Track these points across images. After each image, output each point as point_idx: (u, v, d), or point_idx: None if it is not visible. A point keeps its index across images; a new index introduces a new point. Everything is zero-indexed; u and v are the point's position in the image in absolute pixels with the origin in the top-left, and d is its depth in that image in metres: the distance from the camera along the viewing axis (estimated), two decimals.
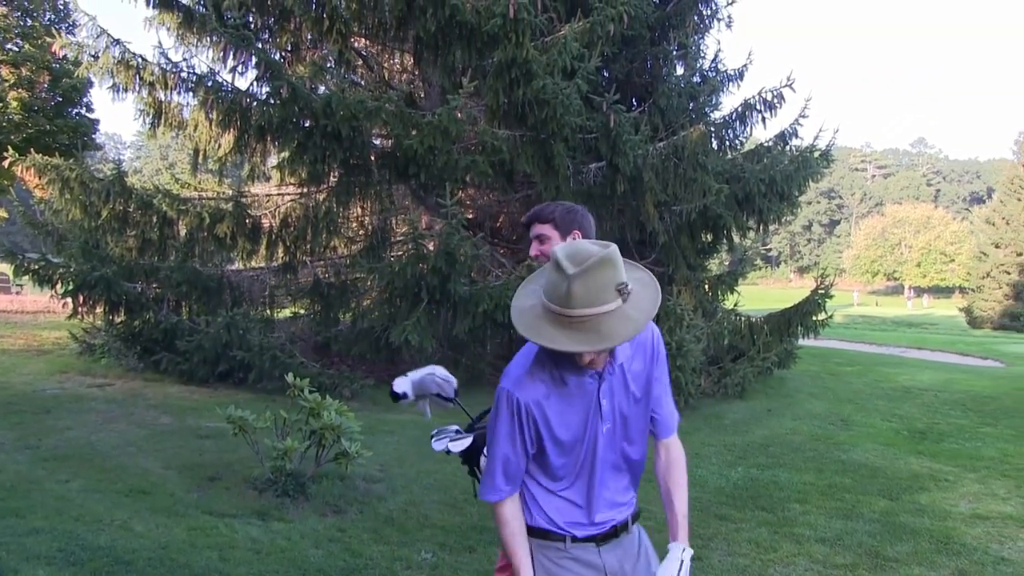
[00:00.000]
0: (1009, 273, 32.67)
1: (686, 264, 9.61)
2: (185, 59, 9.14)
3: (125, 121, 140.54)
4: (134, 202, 8.95)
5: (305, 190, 9.66)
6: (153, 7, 9.05)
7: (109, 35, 8.96)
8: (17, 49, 17.76)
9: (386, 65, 10.73)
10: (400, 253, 8.76)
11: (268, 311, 9.73)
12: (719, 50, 19.72)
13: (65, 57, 14.49)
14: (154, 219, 9.01)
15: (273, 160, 10.44)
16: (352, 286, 9.33)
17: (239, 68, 8.89)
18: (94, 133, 20.96)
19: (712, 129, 9.29)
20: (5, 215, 22.71)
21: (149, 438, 6.10)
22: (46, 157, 9.52)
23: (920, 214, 67.96)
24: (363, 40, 9.90)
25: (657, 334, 1.82)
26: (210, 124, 9.10)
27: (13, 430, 6.09)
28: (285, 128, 8.13)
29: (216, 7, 8.71)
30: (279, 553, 3.79)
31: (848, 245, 78.61)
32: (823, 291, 9.79)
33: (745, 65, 10.55)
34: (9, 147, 10.71)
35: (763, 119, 9.59)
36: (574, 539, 1.77)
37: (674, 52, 10.16)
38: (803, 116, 9.99)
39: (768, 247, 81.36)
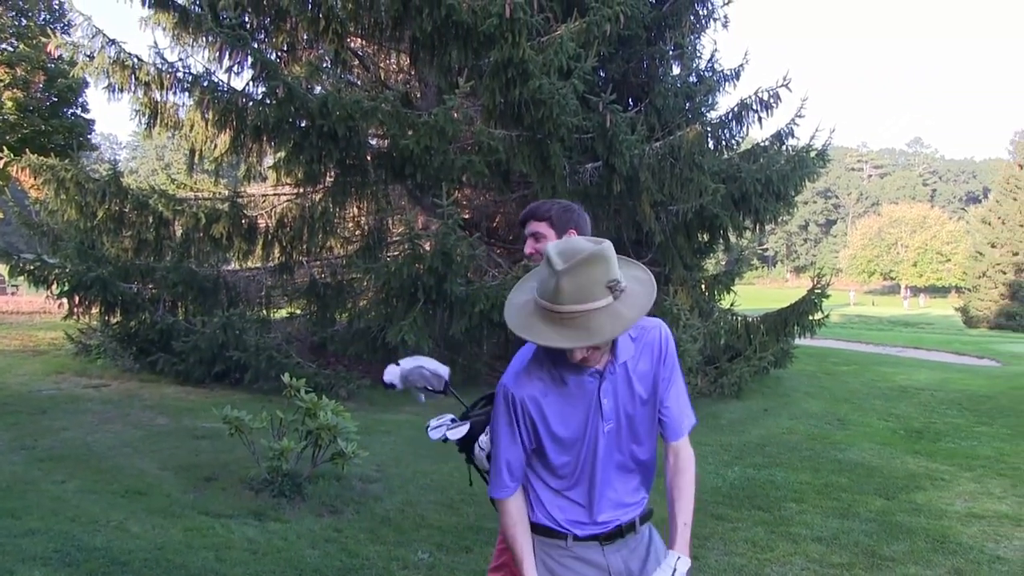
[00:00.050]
0: (1005, 272, 32.74)
1: (682, 264, 9.61)
2: (181, 59, 9.13)
3: (121, 121, 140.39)
4: (130, 202, 8.93)
5: (301, 190, 9.66)
6: (149, 7, 9.01)
7: (104, 35, 8.94)
8: (12, 49, 17.72)
9: (382, 65, 10.72)
10: (396, 253, 8.76)
11: (264, 311, 9.70)
12: (715, 50, 19.60)
13: (60, 57, 14.45)
14: (150, 219, 8.99)
15: (269, 160, 10.42)
16: (348, 286, 9.32)
17: (235, 68, 8.87)
18: (90, 133, 20.91)
19: (708, 129, 9.31)
20: (0, 215, 22.64)
21: (145, 439, 6.08)
22: (41, 157, 9.49)
23: (916, 214, 68.17)
24: (359, 40, 9.88)
25: (666, 335, 1.79)
26: (206, 124, 9.08)
27: (9, 431, 6.08)
28: (281, 128, 8.13)
29: (212, 7, 8.69)
30: (275, 553, 3.78)
31: (844, 245, 78.84)
32: (819, 291, 9.80)
33: (741, 65, 10.55)
34: (4, 147, 10.65)
35: (759, 119, 9.62)
36: (576, 538, 1.76)
37: (670, 52, 10.15)
38: (799, 116, 9.99)
39: (764, 247, 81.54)
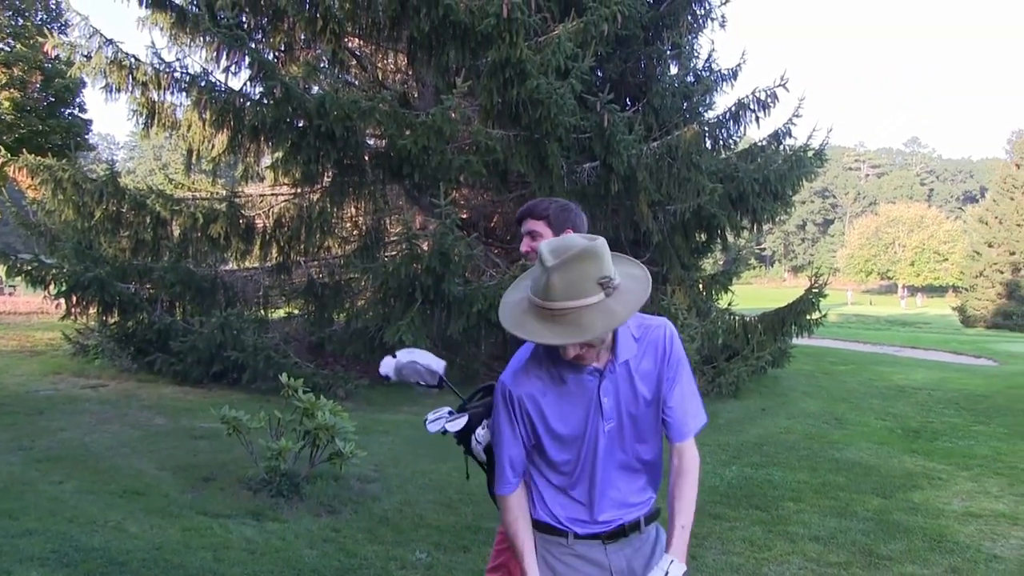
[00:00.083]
0: (1002, 272, 32.80)
1: (680, 264, 9.63)
2: (178, 59, 9.14)
3: (118, 121, 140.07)
4: (127, 202, 8.93)
5: (299, 190, 9.65)
6: (146, 7, 9.01)
7: (102, 35, 8.94)
8: (9, 49, 17.70)
9: (380, 65, 10.72)
10: (394, 253, 8.75)
11: (262, 311, 9.71)
12: (713, 50, 19.73)
13: (57, 57, 14.42)
14: (148, 219, 8.99)
15: (267, 160, 10.42)
16: (346, 286, 9.33)
17: (232, 68, 8.89)
18: (87, 133, 20.91)
19: (706, 129, 9.32)
20: None
21: (143, 439, 6.08)
22: (39, 157, 9.48)
23: (914, 213, 68.25)
24: (357, 40, 9.88)
25: (670, 334, 1.77)
26: (203, 124, 9.08)
27: (6, 431, 6.07)
28: (279, 128, 8.12)
29: (209, 7, 8.69)
30: (273, 553, 3.78)
31: (842, 244, 78.92)
32: (817, 290, 9.81)
33: (739, 65, 10.58)
34: (1, 147, 10.64)
35: (757, 119, 9.64)
36: (576, 536, 1.76)
37: (668, 52, 10.18)
38: (797, 115, 10.02)
39: (762, 246, 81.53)
